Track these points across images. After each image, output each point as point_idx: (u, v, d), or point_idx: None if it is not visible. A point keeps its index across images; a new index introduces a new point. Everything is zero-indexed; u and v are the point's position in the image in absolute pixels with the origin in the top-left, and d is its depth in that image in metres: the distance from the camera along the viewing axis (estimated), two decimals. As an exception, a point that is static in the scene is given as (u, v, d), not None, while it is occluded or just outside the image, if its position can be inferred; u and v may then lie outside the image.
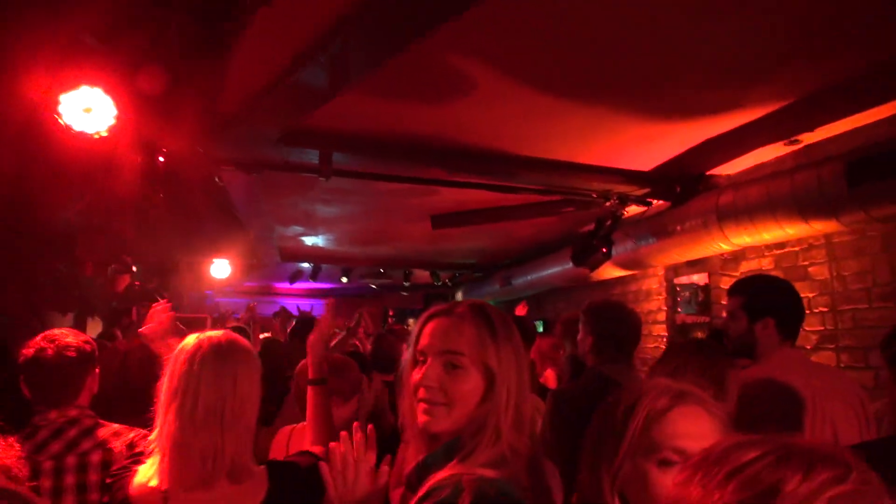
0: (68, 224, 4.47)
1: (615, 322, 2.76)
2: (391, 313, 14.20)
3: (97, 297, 7.45)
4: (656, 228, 5.00)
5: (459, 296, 11.31)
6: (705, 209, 4.46)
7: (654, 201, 5.17)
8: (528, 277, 7.74)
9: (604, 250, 5.08)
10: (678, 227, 4.74)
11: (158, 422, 1.61)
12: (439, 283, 10.67)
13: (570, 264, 6.42)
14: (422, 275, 10.92)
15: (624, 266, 5.72)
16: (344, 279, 10.18)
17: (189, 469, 1.54)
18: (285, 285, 14.00)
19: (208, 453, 1.54)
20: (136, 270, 7.27)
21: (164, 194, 4.44)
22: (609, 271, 5.92)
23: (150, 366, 2.03)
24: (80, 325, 7.22)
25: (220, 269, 9.12)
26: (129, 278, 7.16)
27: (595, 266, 5.19)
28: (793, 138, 4.15)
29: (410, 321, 13.41)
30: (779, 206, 3.87)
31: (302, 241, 8.47)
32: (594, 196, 4.88)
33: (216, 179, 4.64)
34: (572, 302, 8.08)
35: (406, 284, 10.48)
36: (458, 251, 8.96)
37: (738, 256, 5.08)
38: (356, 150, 3.99)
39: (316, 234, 7.87)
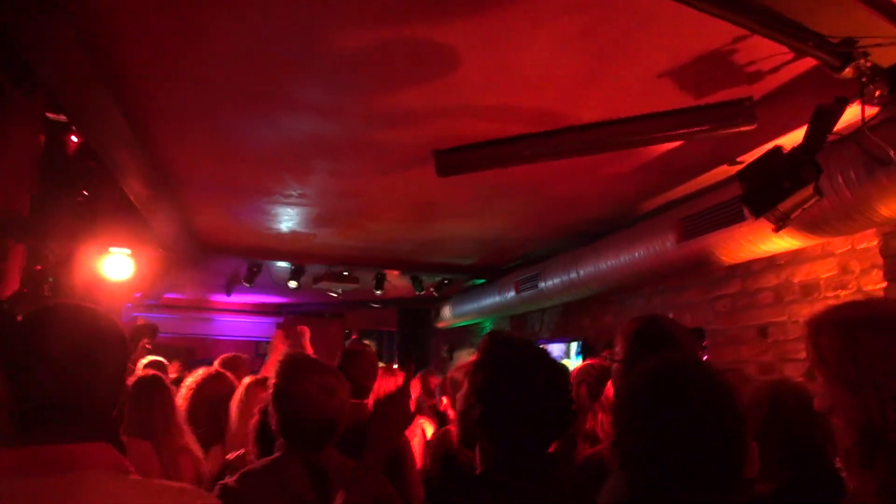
0: None
1: None
2: (354, 337, 11.40)
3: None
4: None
5: (447, 311, 8.56)
6: None
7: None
8: (573, 275, 5.02)
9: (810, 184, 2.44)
10: None
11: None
12: (421, 292, 7.89)
13: (669, 241, 3.78)
14: (399, 285, 8.16)
15: (809, 228, 3.05)
16: (292, 283, 7.36)
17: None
18: (222, 298, 11.10)
19: None
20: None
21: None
22: (765, 242, 3.28)
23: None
24: None
25: (118, 265, 6.16)
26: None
27: (790, 213, 2.54)
28: None
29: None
30: None
31: (230, 220, 5.67)
32: (824, 55, 2.25)
33: None
34: (623, 312, 5.43)
35: (378, 293, 7.68)
36: (456, 242, 6.23)
37: None
38: None
39: (249, 203, 5.09)
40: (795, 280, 3.76)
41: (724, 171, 4.06)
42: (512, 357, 1.51)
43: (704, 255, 3.64)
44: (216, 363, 4.47)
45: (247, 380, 2.98)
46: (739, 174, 2.67)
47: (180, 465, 2.76)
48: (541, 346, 1.61)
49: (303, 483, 1.87)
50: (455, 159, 3.59)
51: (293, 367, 1.98)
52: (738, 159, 3.86)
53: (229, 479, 1.92)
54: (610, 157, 3.78)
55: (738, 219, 3.32)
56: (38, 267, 5.33)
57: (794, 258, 3.74)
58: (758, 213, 2.55)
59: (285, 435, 1.96)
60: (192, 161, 4.15)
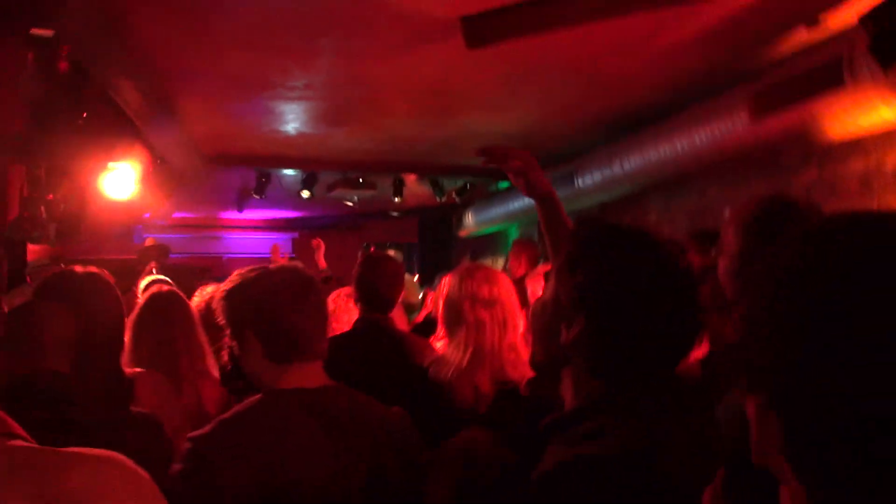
0: None
1: None
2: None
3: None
4: None
5: (470, 218, 8.06)
6: None
7: None
8: (616, 169, 4.43)
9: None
10: None
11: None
12: (442, 198, 7.34)
13: (740, 120, 3.20)
14: (418, 193, 7.61)
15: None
16: (305, 193, 6.85)
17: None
18: (234, 215, 10.64)
19: None
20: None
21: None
22: (870, 113, 2.69)
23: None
24: None
25: (119, 182, 5.63)
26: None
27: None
28: None
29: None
30: None
31: (231, 123, 5.13)
32: None
33: None
34: (670, 209, 4.88)
35: (396, 200, 7.17)
36: (479, 139, 5.60)
37: None
38: None
39: (249, 101, 4.52)
40: (888, 166, 3.17)
41: (800, 42, 3.42)
42: (627, 250, 1.00)
43: (787, 134, 3.06)
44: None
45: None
46: (863, 17, 2.08)
47: (203, 391, 2.41)
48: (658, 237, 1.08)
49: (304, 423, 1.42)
50: (487, 25, 2.99)
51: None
52: (818, 16, 3.24)
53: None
54: (668, 20, 3.15)
55: (834, 83, 2.72)
56: (50, 196, 5.02)
57: (885, 140, 3.13)
58: (886, 62, 1.98)
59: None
60: (178, 49, 3.58)
